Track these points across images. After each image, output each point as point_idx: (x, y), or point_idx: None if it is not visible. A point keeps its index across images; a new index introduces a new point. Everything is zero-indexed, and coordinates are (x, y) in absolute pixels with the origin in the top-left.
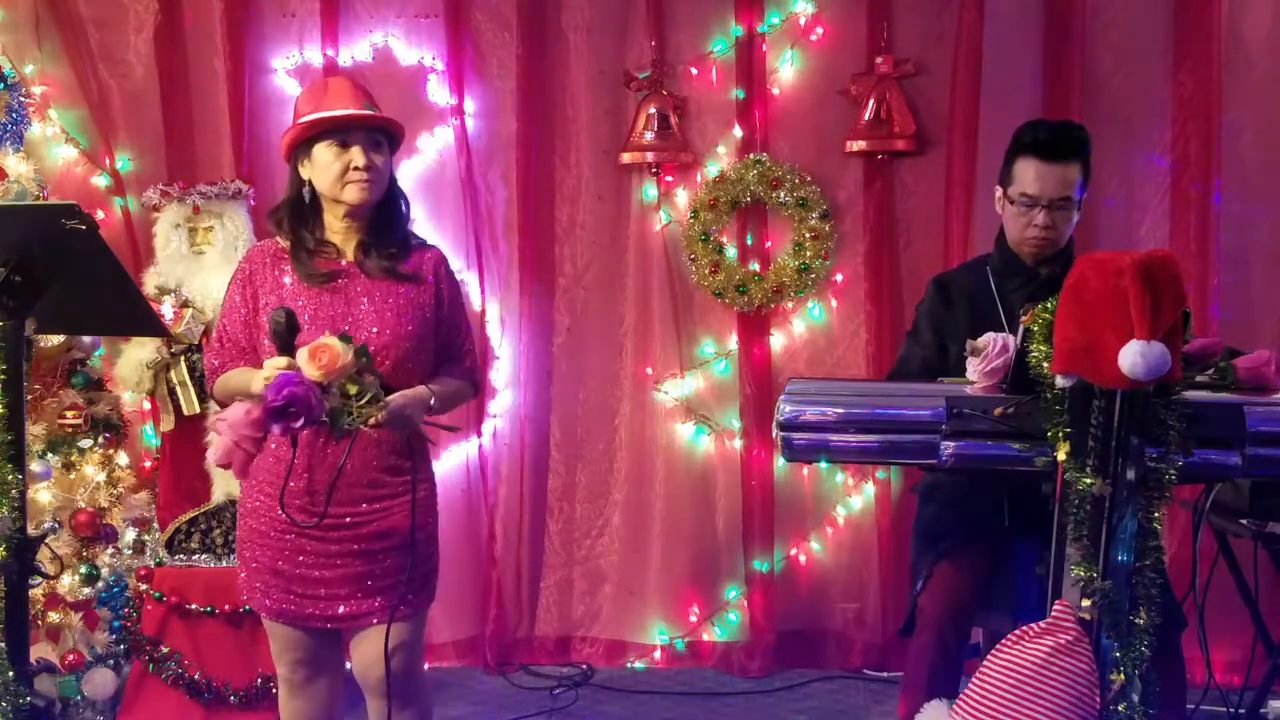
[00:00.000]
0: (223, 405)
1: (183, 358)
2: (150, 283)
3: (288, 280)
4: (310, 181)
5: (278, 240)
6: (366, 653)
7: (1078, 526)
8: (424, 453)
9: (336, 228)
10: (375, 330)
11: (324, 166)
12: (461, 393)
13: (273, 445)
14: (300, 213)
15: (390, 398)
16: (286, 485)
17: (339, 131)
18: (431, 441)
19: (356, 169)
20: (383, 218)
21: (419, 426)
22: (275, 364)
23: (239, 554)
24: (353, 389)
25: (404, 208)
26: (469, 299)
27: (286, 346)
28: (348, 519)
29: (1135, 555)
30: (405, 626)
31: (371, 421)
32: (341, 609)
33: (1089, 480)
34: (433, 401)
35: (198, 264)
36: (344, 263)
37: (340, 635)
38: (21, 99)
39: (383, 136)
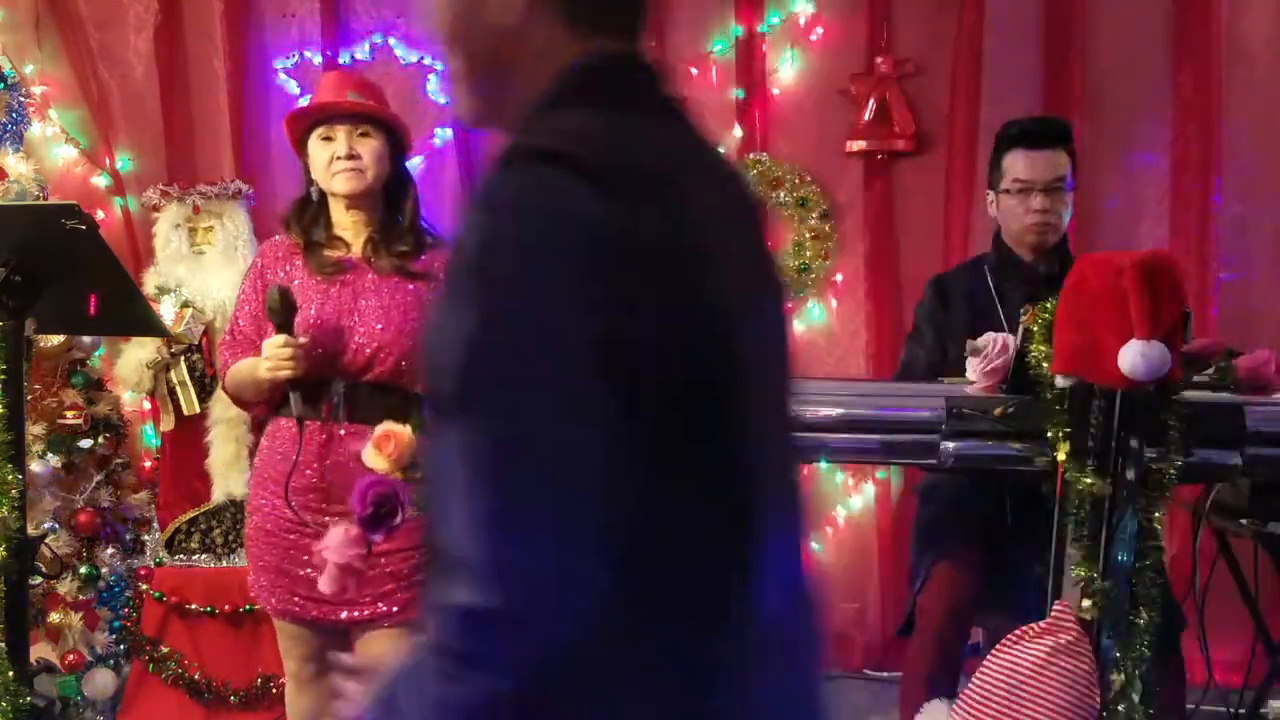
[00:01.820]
0: (234, 399)
1: (182, 358)
2: (150, 283)
3: (297, 277)
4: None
5: (291, 237)
6: (373, 653)
7: (1078, 526)
8: None
9: (345, 223)
10: (380, 326)
11: (315, 159)
12: None
13: (277, 444)
14: (308, 211)
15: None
16: (290, 480)
17: (325, 123)
18: None
19: (339, 158)
20: (390, 212)
21: None
22: (273, 343)
23: (247, 551)
24: (415, 474)
25: (413, 202)
26: None
27: (284, 325)
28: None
29: (1135, 555)
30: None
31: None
32: (344, 614)
33: (1089, 480)
34: None
35: (198, 264)
36: (353, 257)
37: (349, 632)
38: (21, 99)
39: (371, 126)
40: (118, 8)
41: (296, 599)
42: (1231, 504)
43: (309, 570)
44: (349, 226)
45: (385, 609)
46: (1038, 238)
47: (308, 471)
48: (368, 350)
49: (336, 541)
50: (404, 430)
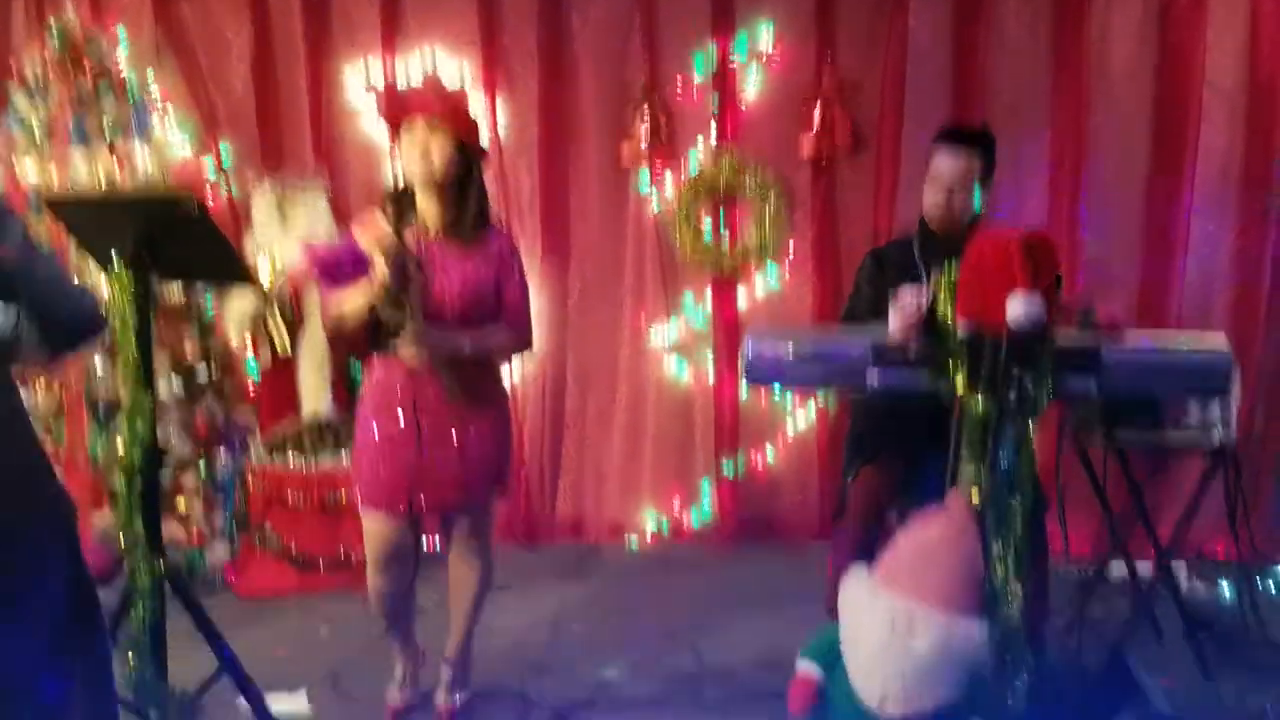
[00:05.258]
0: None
1: (276, 308)
2: (248, 248)
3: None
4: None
5: (384, 219)
6: (456, 526)
7: (970, 435)
8: (498, 385)
9: (424, 205)
10: (444, 287)
11: (403, 151)
12: (504, 343)
13: (376, 378)
14: (400, 197)
15: (423, 322)
16: (416, 401)
17: (408, 122)
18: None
19: (414, 149)
20: (459, 199)
21: (441, 354)
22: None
23: (353, 459)
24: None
25: (477, 194)
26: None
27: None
28: (431, 432)
29: (1014, 458)
30: (481, 510)
31: (401, 333)
32: (423, 497)
33: (980, 402)
34: (466, 345)
35: (285, 235)
36: (431, 233)
37: (419, 522)
38: (149, 109)
39: (444, 126)
40: (221, 39)
41: (383, 488)
42: (1087, 419)
43: (392, 468)
44: (427, 209)
45: (456, 497)
46: (938, 221)
47: (401, 393)
48: (438, 303)
49: (317, 247)
50: (384, 222)
